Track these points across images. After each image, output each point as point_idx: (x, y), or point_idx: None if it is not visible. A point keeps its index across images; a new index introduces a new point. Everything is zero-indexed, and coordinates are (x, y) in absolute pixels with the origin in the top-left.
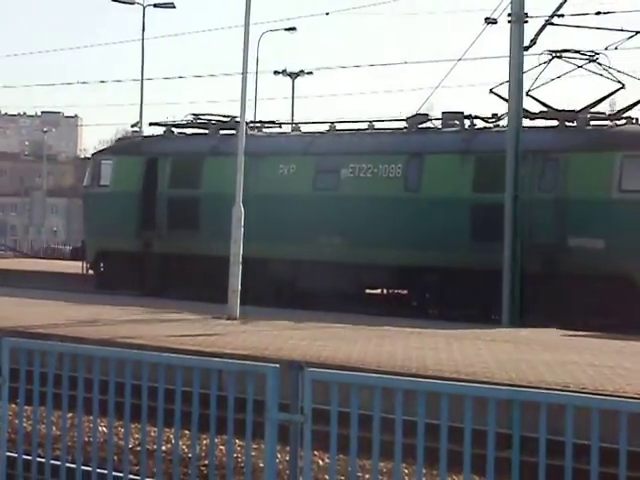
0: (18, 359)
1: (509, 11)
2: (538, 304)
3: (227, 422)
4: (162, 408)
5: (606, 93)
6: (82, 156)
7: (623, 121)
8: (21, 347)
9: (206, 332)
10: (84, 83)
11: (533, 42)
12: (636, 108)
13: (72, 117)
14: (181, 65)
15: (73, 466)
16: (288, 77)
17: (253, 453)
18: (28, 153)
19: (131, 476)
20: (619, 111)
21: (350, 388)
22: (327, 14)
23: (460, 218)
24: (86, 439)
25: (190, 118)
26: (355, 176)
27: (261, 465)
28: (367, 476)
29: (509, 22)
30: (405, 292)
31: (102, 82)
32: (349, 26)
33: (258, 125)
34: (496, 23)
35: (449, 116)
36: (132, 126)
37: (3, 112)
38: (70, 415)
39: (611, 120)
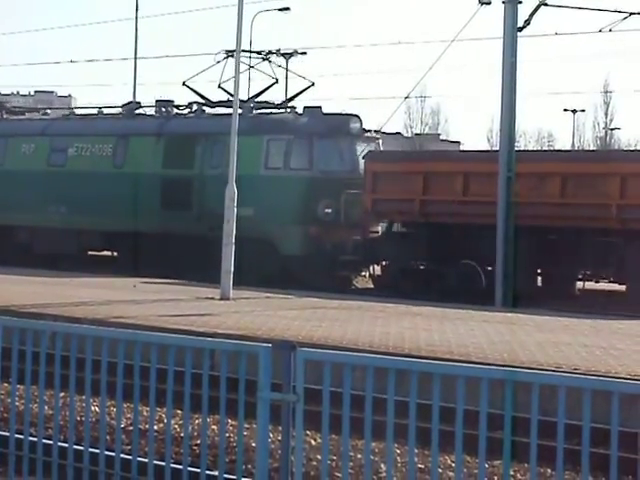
0: (10, 338)
1: None
2: (213, 263)
3: (219, 402)
4: (154, 388)
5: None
6: None
7: (283, 110)
8: (14, 326)
9: (199, 312)
10: (76, 62)
11: (527, 23)
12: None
13: (66, 97)
14: (175, 44)
15: (65, 445)
16: (282, 57)
17: (245, 433)
18: None
19: (123, 455)
20: (283, 102)
21: (343, 368)
22: None
23: (153, 191)
24: (78, 418)
25: None
26: (78, 154)
27: (253, 445)
28: (359, 456)
29: (503, 3)
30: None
31: (94, 61)
32: (343, 6)
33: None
34: (490, 4)
35: (160, 104)
36: (124, 105)
37: None
38: (62, 395)
39: (277, 109)
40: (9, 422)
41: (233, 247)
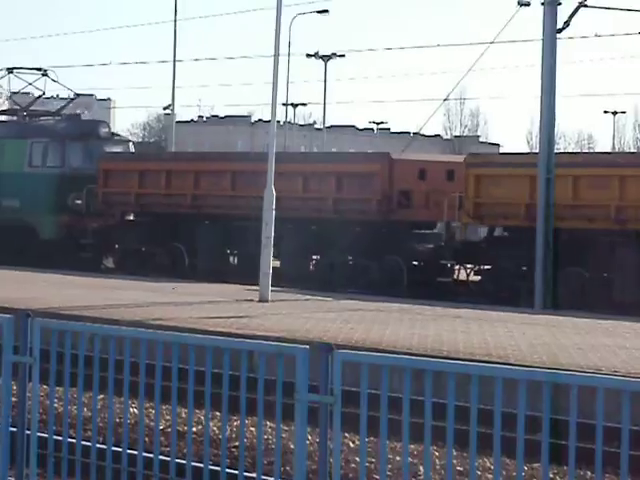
0: (49, 340)
1: None
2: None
3: (257, 404)
4: (192, 390)
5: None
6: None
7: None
8: (52, 328)
9: (237, 314)
10: (115, 65)
11: (567, 24)
12: None
13: (105, 100)
14: (213, 47)
15: (104, 447)
16: (320, 60)
17: (283, 435)
18: None
19: (161, 457)
20: (58, 110)
21: (380, 370)
22: None
23: None
24: (117, 420)
25: None
26: None
27: (291, 447)
28: (397, 458)
29: (542, 4)
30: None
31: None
32: (382, 8)
33: None
34: (529, 5)
35: None
36: (164, 108)
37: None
38: (101, 396)
39: (53, 116)
40: (48, 424)
41: (272, 249)
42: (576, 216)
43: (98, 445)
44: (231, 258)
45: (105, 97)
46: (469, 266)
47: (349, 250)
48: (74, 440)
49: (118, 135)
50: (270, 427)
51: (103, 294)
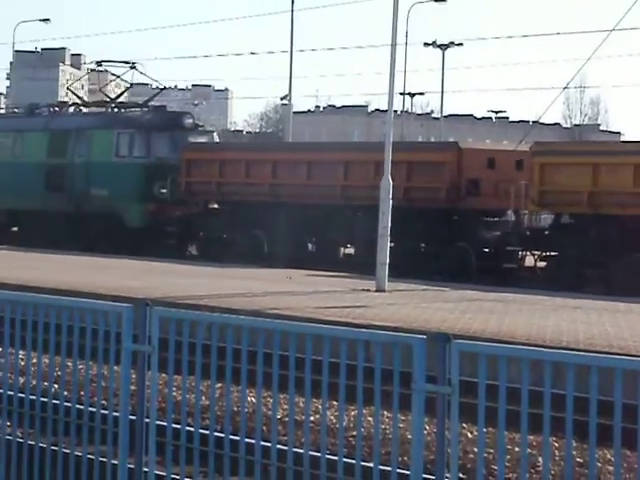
0: (167, 329)
1: None
2: (79, 233)
3: (374, 393)
4: (310, 379)
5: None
6: (232, 129)
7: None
8: (171, 317)
9: (354, 304)
10: (232, 56)
11: None
12: None
13: (222, 90)
14: (331, 37)
15: (222, 435)
16: (438, 49)
17: (400, 425)
18: None
19: (279, 446)
20: (145, 102)
21: (498, 360)
22: None
23: (40, 176)
24: (235, 409)
25: None
26: None
27: (409, 437)
28: (516, 449)
29: None
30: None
31: (252, 54)
32: None
33: None
34: None
35: (52, 104)
36: (281, 99)
37: (155, 85)
38: (219, 385)
39: (140, 108)
40: (167, 412)
41: (388, 239)
42: None
43: (216, 433)
44: (310, 245)
45: (223, 88)
46: (536, 253)
47: (421, 237)
48: (192, 428)
49: (202, 126)
50: (387, 417)
51: (219, 283)
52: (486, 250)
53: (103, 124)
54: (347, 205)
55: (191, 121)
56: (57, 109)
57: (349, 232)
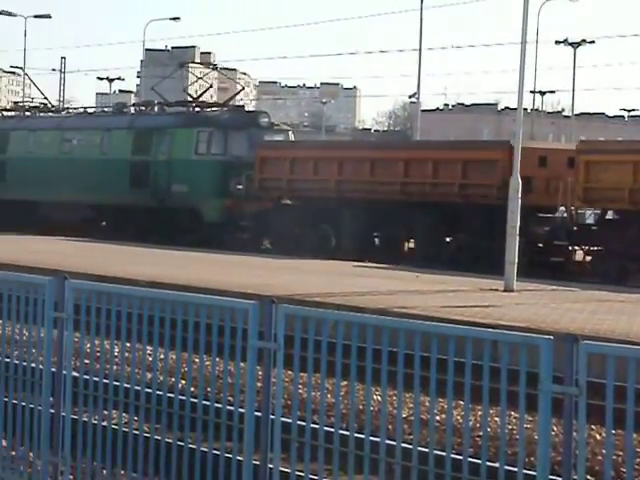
0: (293, 326)
1: None
2: (163, 227)
3: (500, 393)
4: (435, 378)
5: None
6: (360, 127)
7: (219, 108)
8: (296, 314)
9: (481, 303)
10: (360, 54)
11: None
12: None
13: (350, 88)
14: (459, 35)
15: (346, 433)
16: (569, 46)
17: (527, 425)
18: (307, 124)
19: (404, 445)
20: (225, 102)
21: (627, 362)
22: None
23: (125, 172)
24: (360, 407)
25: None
26: (79, 144)
27: (535, 437)
28: None
29: None
30: None
31: (381, 52)
32: None
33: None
34: None
35: (140, 104)
36: (410, 97)
37: (283, 84)
38: (344, 383)
39: (220, 107)
40: (292, 409)
41: (517, 238)
42: None
43: (341, 431)
44: (376, 240)
45: (351, 86)
46: (583, 248)
47: (475, 233)
48: (317, 426)
49: (277, 125)
50: (514, 417)
51: (343, 281)
52: (537, 245)
53: (184, 123)
54: (406, 201)
55: (267, 120)
56: (143, 108)
57: (409, 228)
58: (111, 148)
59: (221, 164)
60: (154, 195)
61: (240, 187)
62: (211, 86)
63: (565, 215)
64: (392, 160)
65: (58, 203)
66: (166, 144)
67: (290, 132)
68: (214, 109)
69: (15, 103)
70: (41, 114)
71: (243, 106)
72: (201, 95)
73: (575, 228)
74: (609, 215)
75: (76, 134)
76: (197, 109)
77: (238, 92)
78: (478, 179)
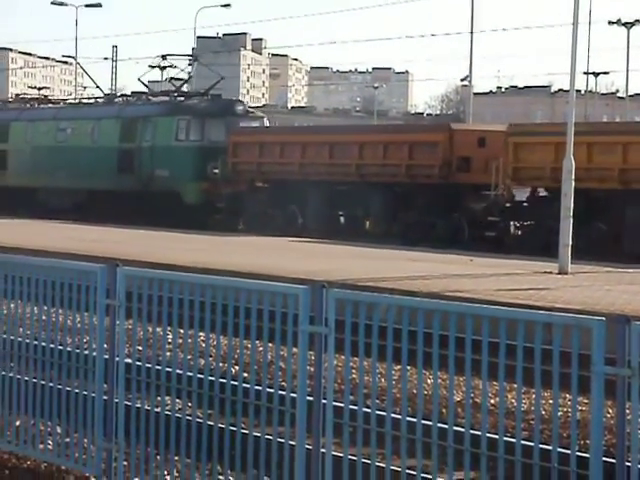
0: (344, 311)
1: None
2: (147, 209)
3: (553, 375)
4: (487, 361)
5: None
6: (413, 112)
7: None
8: (346, 298)
9: (536, 286)
10: (413, 37)
11: None
12: None
13: (402, 73)
14: (512, 17)
15: (399, 417)
16: (623, 27)
17: (580, 407)
18: (359, 109)
19: (456, 428)
20: (206, 90)
21: None
22: None
23: (112, 159)
24: (414, 391)
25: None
26: (73, 134)
27: (589, 419)
28: None
29: None
30: None
31: (433, 35)
32: None
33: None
34: None
35: (134, 93)
36: (462, 80)
37: (335, 69)
38: (397, 367)
39: (201, 97)
40: (344, 394)
41: (571, 220)
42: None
43: (393, 415)
44: (341, 219)
45: (403, 70)
46: (515, 223)
47: (421, 210)
48: (369, 410)
49: (252, 112)
50: (568, 400)
51: (396, 265)
52: (476, 220)
53: (166, 111)
54: (361, 182)
55: (242, 108)
56: (129, 99)
57: (366, 207)
58: (101, 137)
59: (199, 149)
60: (139, 180)
61: (216, 171)
62: (191, 77)
63: (499, 192)
64: (348, 143)
65: (55, 189)
66: (150, 132)
67: (265, 119)
68: (194, 99)
69: (16, 95)
70: (41, 106)
71: (220, 95)
72: (182, 86)
73: (508, 205)
74: (542, 193)
75: (70, 124)
76: (180, 98)
77: (217, 82)
78: (422, 160)
